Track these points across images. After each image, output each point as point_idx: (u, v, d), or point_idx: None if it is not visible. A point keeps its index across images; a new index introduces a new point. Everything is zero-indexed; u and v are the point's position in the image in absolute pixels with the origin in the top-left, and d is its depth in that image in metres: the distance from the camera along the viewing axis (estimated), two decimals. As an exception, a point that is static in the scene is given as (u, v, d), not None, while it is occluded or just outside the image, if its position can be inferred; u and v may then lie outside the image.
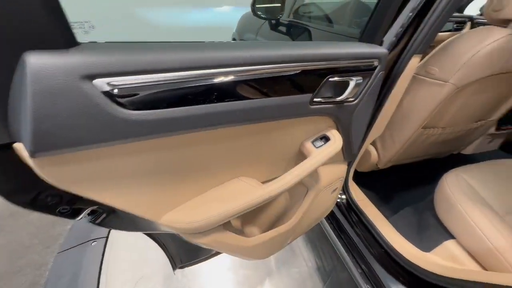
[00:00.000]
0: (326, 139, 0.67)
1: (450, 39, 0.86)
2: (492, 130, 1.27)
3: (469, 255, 0.82)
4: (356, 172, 1.19)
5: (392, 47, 0.71)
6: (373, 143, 1.16)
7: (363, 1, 1.45)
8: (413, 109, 0.93)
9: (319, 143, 0.66)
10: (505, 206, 0.83)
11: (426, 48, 0.74)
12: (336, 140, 0.66)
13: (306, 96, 0.54)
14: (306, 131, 0.66)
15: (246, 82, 0.45)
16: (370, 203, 1.08)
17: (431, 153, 1.23)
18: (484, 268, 0.78)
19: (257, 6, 1.43)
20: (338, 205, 1.11)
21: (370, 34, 0.67)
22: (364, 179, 1.23)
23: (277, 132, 0.60)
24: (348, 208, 1.09)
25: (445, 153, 1.31)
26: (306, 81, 0.53)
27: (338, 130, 0.70)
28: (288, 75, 0.49)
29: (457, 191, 0.89)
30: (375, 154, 1.15)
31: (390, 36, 0.70)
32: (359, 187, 1.15)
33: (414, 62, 0.75)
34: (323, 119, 0.65)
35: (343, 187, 1.08)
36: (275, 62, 0.47)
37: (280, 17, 1.43)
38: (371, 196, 1.15)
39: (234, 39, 2.49)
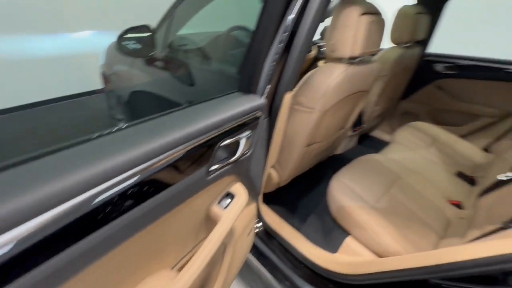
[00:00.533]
0: (231, 195, 0.66)
1: (309, 73, 1.03)
2: (350, 133, 1.65)
3: (364, 246, 0.99)
4: (264, 194, 1.25)
5: (267, 88, 0.75)
6: (273, 166, 1.25)
7: (233, 34, 1.56)
8: (296, 134, 1.06)
9: (225, 201, 0.64)
10: (373, 196, 1.06)
11: (294, 83, 0.85)
12: (242, 194, 0.65)
13: (201, 171, 0.50)
14: (209, 196, 0.62)
15: (122, 194, 0.36)
16: (283, 221, 1.16)
17: (316, 160, 1.45)
18: (378, 255, 0.93)
19: (124, 37, 1.27)
20: (256, 233, 1.14)
21: (246, 83, 0.70)
22: (272, 198, 1.31)
23: (179, 213, 0.53)
24: (266, 233, 1.14)
25: (325, 157, 1.59)
26: (196, 158, 0.49)
27: (240, 180, 0.70)
28: (174, 161, 0.44)
29: (340, 194, 1.07)
30: (276, 175, 1.25)
31: (264, 79, 0.75)
32: (269, 207, 1.22)
33: (287, 98, 0.85)
34: (224, 179, 0.64)
35: (257, 215, 1.11)
36: (154, 157, 0.40)
37: (153, 54, 1.34)
38: (281, 212, 1.24)
39: (103, 73, 2.16)
